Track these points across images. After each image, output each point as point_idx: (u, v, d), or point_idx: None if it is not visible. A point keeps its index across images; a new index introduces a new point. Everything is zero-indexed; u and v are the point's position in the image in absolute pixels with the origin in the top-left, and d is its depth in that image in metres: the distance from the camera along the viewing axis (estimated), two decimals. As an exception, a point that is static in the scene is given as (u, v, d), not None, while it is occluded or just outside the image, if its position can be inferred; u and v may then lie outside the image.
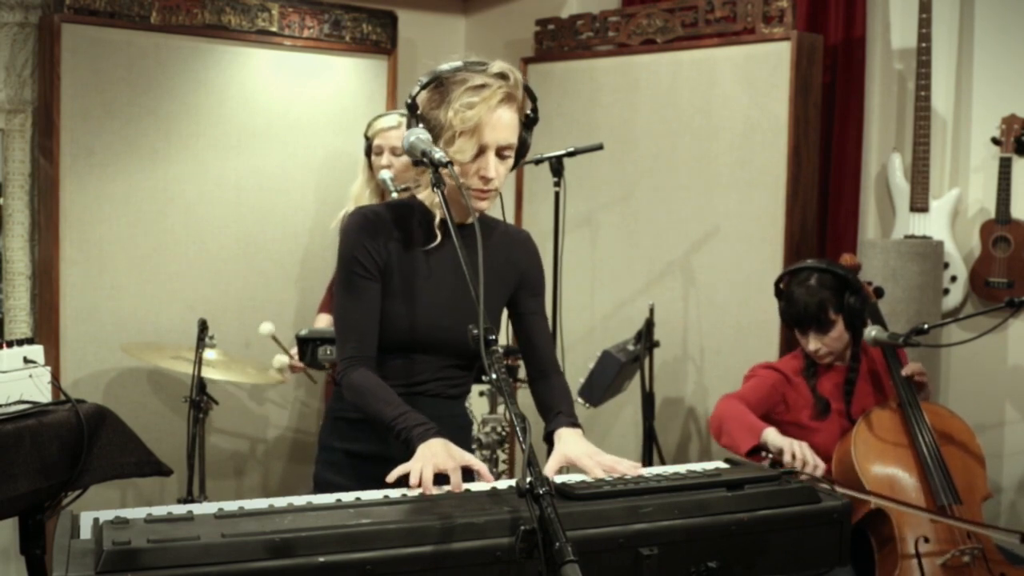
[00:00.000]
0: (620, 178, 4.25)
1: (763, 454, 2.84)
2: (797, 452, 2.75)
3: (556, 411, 2.21)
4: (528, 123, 2.16)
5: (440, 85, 2.07)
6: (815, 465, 2.74)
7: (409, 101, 2.09)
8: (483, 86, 2.04)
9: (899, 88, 3.99)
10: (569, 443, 2.11)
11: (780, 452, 2.78)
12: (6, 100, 3.74)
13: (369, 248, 2.12)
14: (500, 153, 2.09)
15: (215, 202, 4.06)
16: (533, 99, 2.16)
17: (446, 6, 4.94)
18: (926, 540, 2.78)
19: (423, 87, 2.09)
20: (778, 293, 3.16)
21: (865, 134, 4.06)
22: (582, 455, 2.05)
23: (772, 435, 2.83)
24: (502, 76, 2.07)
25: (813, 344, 3.04)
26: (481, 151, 2.06)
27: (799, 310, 3.02)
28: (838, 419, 3.05)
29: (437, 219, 2.14)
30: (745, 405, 2.97)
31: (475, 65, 2.08)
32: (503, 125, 2.07)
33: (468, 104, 2.03)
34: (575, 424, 2.18)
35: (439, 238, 2.14)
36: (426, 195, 2.17)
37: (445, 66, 2.09)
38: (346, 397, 2.12)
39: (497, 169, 2.08)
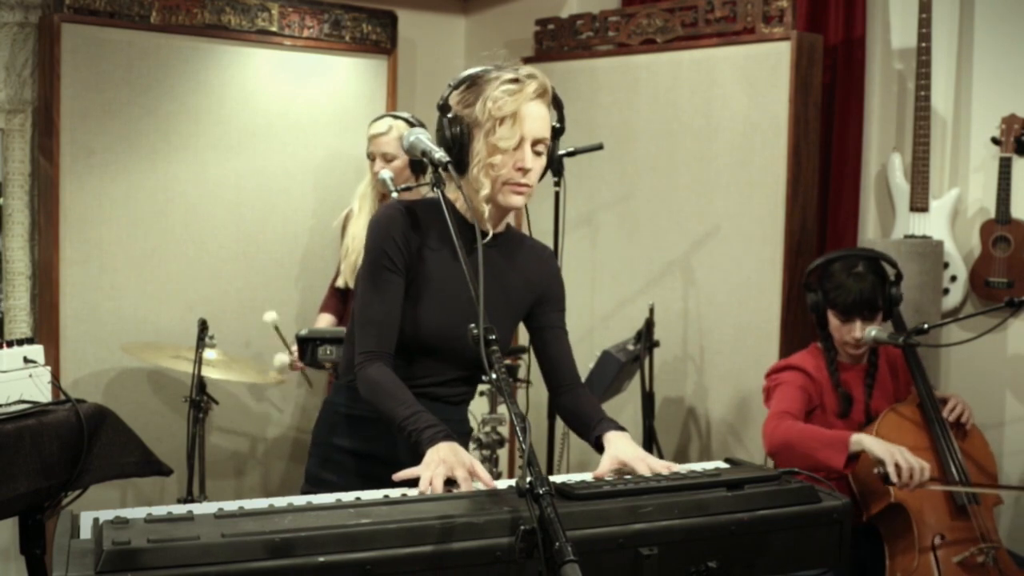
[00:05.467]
0: (620, 178, 4.25)
1: (877, 470, 2.74)
2: (902, 463, 2.67)
3: (598, 418, 2.19)
4: (554, 133, 2.16)
5: (472, 84, 2.10)
6: (921, 469, 2.68)
7: (441, 103, 2.10)
8: (517, 80, 2.07)
9: (899, 88, 3.99)
10: (620, 446, 2.09)
11: (874, 458, 2.72)
12: (6, 100, 3.74)
13: (399, 242, 2.11)
14: (534, 147, 2.09)
15: (215, 202, 4.06)
16: (560, 108, 2.17)
17: (446, 6, 4.94)
18: (943, 537, 2.79)
19: (454, 87, 2.11)
20: (818, 280, 3.10)
21: (865, 134, 4.06)
22: (634, 459, 2.04)
23: (866, 441, 2.75)
24: (532, 76, 2.10)
25: (857, 332, 2.99)
26: (519, 143, 2.06)
27: (854, 295, 2.97)
28: (859, 415, 3.05)
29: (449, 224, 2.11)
30: (794, 419, 2.88)
31: (505, 66, 2.12)
32: (538, 116, 2.08)
33: (506, 91, 2.05)
34: (622, 428, 2.17)
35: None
36: (458, 199, 2.15)
37: (475, 69, 2.12)
38: (360, 391, 2.11)
39: (533, 162, 2.09)
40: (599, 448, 2.16)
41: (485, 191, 2.09)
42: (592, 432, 2.18)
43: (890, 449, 2.70)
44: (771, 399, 3.04)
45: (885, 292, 3.02)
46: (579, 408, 2.24)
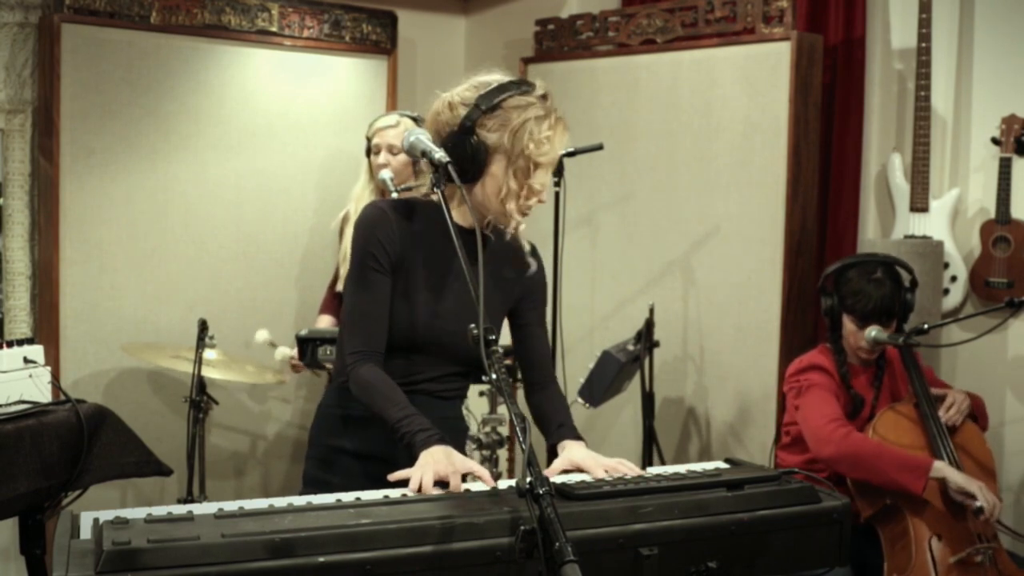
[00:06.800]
0: (620, 178, 4.25)
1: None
2: (989, 498, 2.74)
3: (558, 423, 2.23)
4: None
5: (495, 107, 2.08)
6: (999, 504, 2.75)
7: (468, 123, 2.07)
8: (545, 116, 2.09)
9: (899, 88, 3.99)
10: (574, 450, 2.14)
11: (959, 489, 2.77)
12: (6, 100, 3.74)
13: (384, 242, 2.12)
14: None
15: (215, 202, 4.06)
16: None
17: (446, 6, 4.94)
18: (939, 538, 2.80)
19: (481, 111, 2.07)
20: (834, 285, 3.10)
21: (865, 134, 4.06)
22: (586, 457, 2.09)
23: (948, 472, 2.80)
24: (545, 98, 2.13)
25: (873, 334, 3.00)
26: None
27: (874, 301, 2.98)
28: (865, 415, 3.06)
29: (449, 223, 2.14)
30: (855, 430, 2.91)
31: (517, 86, 2.12)
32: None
33: (547, 138, 2.08)
34: (579, 437, 2.20)
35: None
36: (451, 197, 2.15)
37: (493, 83, 2.11)
38: (353, 392, 2.12)
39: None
40: (553, 455, 2.20)
41: (495, 214, 2.12)
42: (550, 438, 2.24)
43: (976, 483, 2.76)
44: (803, 398, 3.03)
45: (901, 298, 3.04)
46: (546, 408, 2.28)
